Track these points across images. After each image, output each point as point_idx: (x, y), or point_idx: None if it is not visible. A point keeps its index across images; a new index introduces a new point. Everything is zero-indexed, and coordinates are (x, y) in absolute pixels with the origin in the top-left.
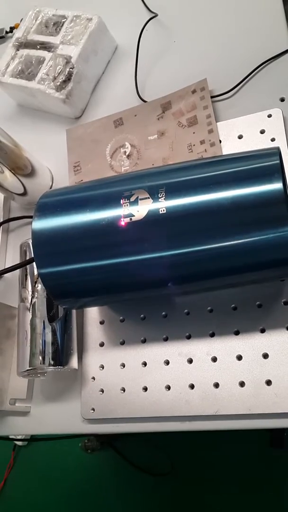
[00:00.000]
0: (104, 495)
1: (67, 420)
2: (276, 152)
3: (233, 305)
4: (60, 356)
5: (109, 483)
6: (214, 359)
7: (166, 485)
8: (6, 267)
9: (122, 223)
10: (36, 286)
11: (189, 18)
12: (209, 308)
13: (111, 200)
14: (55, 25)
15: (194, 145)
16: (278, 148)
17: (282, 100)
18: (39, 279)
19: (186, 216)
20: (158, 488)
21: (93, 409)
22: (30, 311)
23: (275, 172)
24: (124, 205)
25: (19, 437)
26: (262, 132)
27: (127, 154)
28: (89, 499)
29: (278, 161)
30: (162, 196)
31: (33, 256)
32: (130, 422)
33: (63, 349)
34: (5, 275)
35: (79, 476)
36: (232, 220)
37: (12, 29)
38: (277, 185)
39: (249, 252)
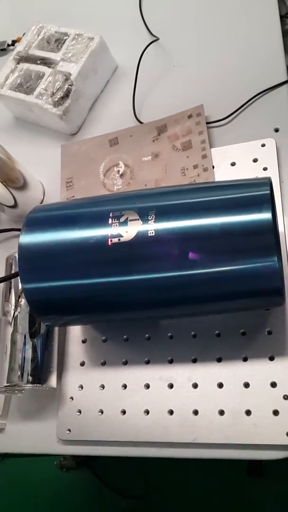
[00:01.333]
0: None
1: (43, 439)
2: (266, 182)
3: (217, 332)
4: (39, 374)
5: (82, 504)
6: (195, 386)
7: (140, 508)
8: None
9: (110, 243)
10: (19, 300)
11: (190, 44)
12: (193, 333)
13: (101, 219)
14: (57, 41)
15: (187, 169)
16: (269, 179)
17: (276, 130)
18: (23, 294)
19: (174, 240)
20: None
21: (69, 430)
22: (12, 326)
23: (264, 202)
24: (114, 225)
25: None
26: (255, 160)
27: (120, 173)
28: None
29: (268, 192)
30: (152, 219)
31: (18, 270)
32: (106, 445)
33: (42, 366)
34: None
35: (52, 494)
36: (220, 247)
37: (14, 42)
38: (266, 215)
39: (235, 279)
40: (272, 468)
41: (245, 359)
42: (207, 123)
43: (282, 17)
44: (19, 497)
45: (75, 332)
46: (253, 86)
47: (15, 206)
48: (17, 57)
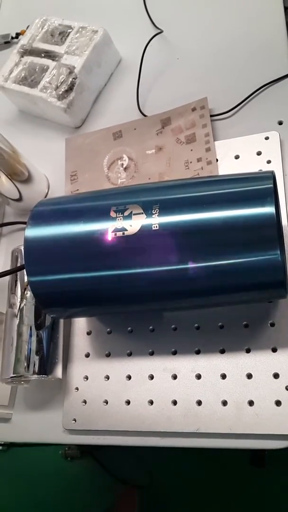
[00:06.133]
0: (80, 504)
1: (48, 429)
2: (270, 176)
3: (220, 324)
4: (45, 365)
5: (87, 493)
6: (198, 377)
7: (144, 498)
8: None
9: (114, 236)
10: (25, 293)
11: (194, 37)
12: (196, 325)
13: (105, 213)
14: (61, 34)
15: (191, 162)
16: (272, 172)
17: (280, 123)
18: (29, 286)
19: (178, 234)
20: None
21: (75, 420)
22: (18, 318)
23: (268, 196)
24: (118, 219)
25: None
26: (259, 153)
27: (124, 166)
28: (65, 507)
29: (271, 185)
30: (155, 213)
31: (24, 263)
32: (111, 434)
33: (48, 357)
34: None
35: (57, 483)
36: (223, 240)
37: (18, 35)
38: (269, 209)
39: (238, 273)
40: (275, 458)
41: (248, 351)
42: (211, 116)
43: (286, 9)
44: (25, 485)
45: (80, 324)
46: (257, 79)
47: (20, 199)
48: (21, 50)
